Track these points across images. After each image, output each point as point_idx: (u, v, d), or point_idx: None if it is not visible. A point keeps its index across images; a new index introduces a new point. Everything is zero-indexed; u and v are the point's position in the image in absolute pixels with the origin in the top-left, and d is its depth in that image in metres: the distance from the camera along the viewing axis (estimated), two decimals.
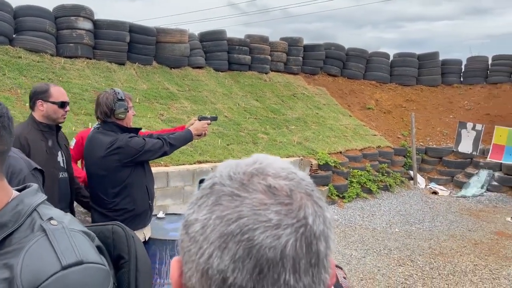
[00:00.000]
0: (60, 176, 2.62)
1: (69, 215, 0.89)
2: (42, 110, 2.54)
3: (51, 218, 0.82)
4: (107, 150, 2.61)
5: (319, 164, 7.55)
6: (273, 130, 8.37)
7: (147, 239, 2.90)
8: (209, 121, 3.07)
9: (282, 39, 11.46)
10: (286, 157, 7.28)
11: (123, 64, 8.55)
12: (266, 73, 10.78)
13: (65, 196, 2.66)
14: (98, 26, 8.35)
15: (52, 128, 2.61)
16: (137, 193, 2.76)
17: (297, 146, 7.92)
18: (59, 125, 2.67)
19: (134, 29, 8.69)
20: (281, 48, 11.13)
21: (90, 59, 8.23)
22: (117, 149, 2.62)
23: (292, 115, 9.38)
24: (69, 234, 0.81)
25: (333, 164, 7.74)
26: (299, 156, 7.46)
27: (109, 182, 2.67)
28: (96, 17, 8.47)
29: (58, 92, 2.59)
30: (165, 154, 2.81)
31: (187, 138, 2.94)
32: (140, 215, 2.79)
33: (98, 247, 0.86)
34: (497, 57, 11.95)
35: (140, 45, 8.73)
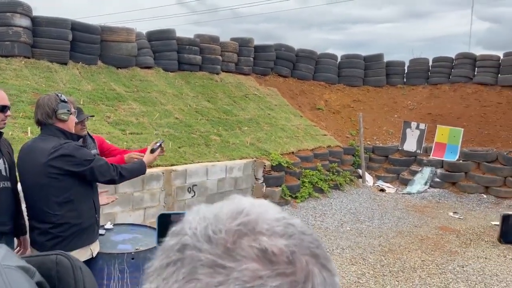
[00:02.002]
0: (1, 185, 2.43)
1: (3, 247, 0.76)
2: None
3: None
4: (50, 155, 2.41)
5: (272, 165, 7.56)
6: (226, 132, 8.28)
7: (94, 255, 2.72)
8: (160, 151, 3.00)
9: (232, 39, 11.38)
10: (240, 159, 7.22)
11: (65, 64, 8.10)
12: (217, 74, 10.65)
13: (7, 208, 2.46)
14: (37, 23, 7.84)
15: None
16: (83, 205, 2.58)
17: (250, 147, 7.88)
18: (0, 130, 2.49)
19: (77, 27, 8.25)
20: (231, 49, 11.05)
21: (29, 58, 7.72)
22: (62, 156, 2.43)
23: (245, 116, 9.34)
24: (3, 272, 0.68)
25: (286, 165, 7.78)
26: (252, 158, 7.42)
27: (52, 191, 2.46)
28: (35, 13, 7.96)
29: None
30: (112, 182, 2.66)
31: (141, 172, 2.83)
32: (87, 229, 2.60)
33: (38, 284, 0.74)
34: (437, 59, 12.58)
35: (84, 44, 8.31)
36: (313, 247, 0.36)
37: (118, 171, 2.61)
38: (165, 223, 0.79)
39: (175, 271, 0.34)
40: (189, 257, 0.34)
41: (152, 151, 2.94)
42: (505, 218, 1.37)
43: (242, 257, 0.33)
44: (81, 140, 2.99)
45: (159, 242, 0.80)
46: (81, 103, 7.06)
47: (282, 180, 7.64)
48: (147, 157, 2.89)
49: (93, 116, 3.53)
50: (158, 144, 3.01)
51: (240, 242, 0.34)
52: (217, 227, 0.35)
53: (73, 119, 2.61)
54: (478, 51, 15.12)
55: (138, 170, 2.78)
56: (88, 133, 3.21)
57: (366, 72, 12.76)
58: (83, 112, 3.08)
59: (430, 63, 12.66)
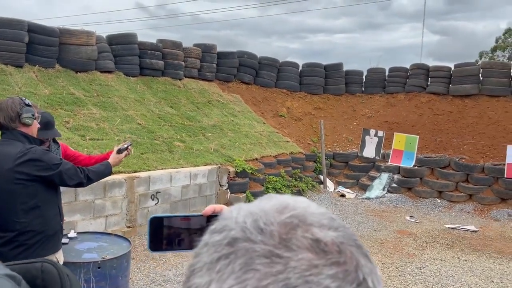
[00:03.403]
0: None
1: None
2: None
3: None
4: (17, 161, 2.34)
5: (236, 171, 7.58)
6: (190, 138, 8.21)
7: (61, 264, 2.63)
8: (126, 152, 2.97)
9: (195, 45, 11.34)
10: (204, 165, 7.19)
11: (21, 67, 7.76)
12: (180, 79, 10.57)
13: None
14: None
15: None
16: (49, 212, 2.52)
17: (214, 153, 7.86)
18: None
19: (33, 29, 7.93)
20: (194, 55, 11.00)
21: None
22: (29, 161, 2.37)
23: (208, 122, 9.31)
24: None
25: (250, 171, 7.82)
26: (216, 164, 7.41)
27: (19, 197, 2.39)
28: None
29: None
30: (80, 185, 2.62)
31: (107, 173, 2.82)
32: (52, 237, 2.53)
33: None
34: (393, 69, 13.09)
35: (41, 46, 8.00)
36: (356, 239, 0.37)
37: (86, 173, 2.59)
38: (156, 226, 0.78)
39: (230, 263, 0.34)
40: (242, 249, 0.34)
41: (119, 151, 2.91)
42: None
43: (297, 247, 0.34)
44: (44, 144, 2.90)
45: (150, 246, 0.79)
46: (38, 107, 6.78)
47: (247, 187, 7.68)
48: (113, 158, 2.87)
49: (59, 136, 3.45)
50: (125, 145, 2.97)
51: (294, 233, 0.35)
52: (267, 219, 0.36)
53: (36, 124, 2.54)
54: (429, 62, 15.91)
55: (104, 172, 2.77)
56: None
57: (327, 80, 13.07)
58: (53, 127, 3.00)
59: (387, 73, 13.15)
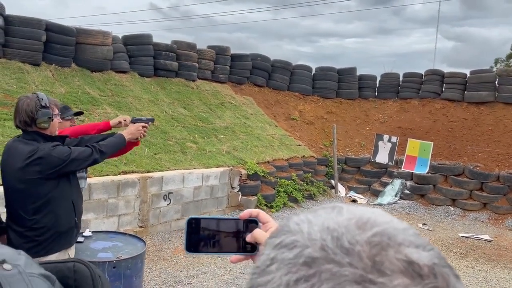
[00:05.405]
0: None
1: (23, 254, 0.73)
2: None
3: (3, 261, 0.66)
4: (27, 160, 2.36)
5: (248, 174, 7.56)
6: (202, 139, 8.23)
7: None
8: (145, 124, 2.81)
9: (209, 47, 11.38)
10: (216, 167, 7.19)
11: (38, 65, 7.85)
12: (193, 81, 10.61)
13: None
14: (10, 23, 7.58)
15: None
16: (61, 209, 2.51)
17: (226, 155, 7.86)
18: None
19: (51, 28, 8.03)
20: (208, 56, 11.04)
21: (0, 58, 7.44)
22: (38, 159, 2.37)
23: (221, 124, 9.32)
24: (28, 281, 0.66)
25: (262, 174, 7.80)
26: (228, 166, 7.40)
27: (29, 196, 2.41)
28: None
29: None
30: (95, 162, 2.59)
31: (120, 144, 2.68)
32: (65, 233, 2.54)
33: None
34: (407, 75, 12.98)
35: (58, 45, 8.09)
36: (445, 258, 0.34)
37: (98, 149, 2.55)
38: (194, 227, 0.78)
39: None
40: (327, 272, 0.30)
41: (136, 121, 2.80)
42: None
43: (391, 271, 0.30)
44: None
45: (187, 247, 0.79)
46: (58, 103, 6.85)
47: (258, 189, 7.65)
48: (128, 129, 2.76)
49: (82, 113, 3.42)
50: (145, 118, 2.83)
51: (386, 255, 0.30)
52: (352, 237, 0.32)
53: (55, 123, 2.53)
54: (443, 68, 15.79)
55: (117, 143, 2.66)
56: None
57: (340, 84, 13.00)
58: (70, 109, 3.00)
59: (401, 78, 13.04)
